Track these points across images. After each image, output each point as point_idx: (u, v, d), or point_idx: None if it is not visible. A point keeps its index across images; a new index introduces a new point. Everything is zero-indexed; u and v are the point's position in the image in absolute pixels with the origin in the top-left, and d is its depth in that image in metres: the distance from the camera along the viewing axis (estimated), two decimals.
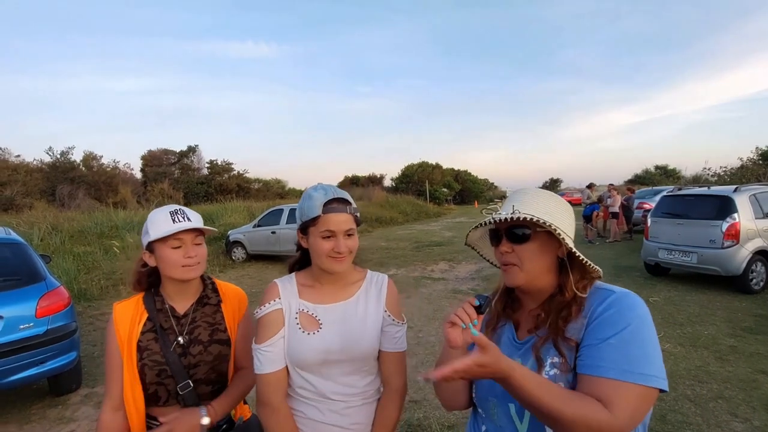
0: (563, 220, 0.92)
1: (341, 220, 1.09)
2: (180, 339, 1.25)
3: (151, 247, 1.22)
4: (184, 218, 1.22)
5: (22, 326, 3.11)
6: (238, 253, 10.68)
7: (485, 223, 0.95)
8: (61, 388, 3.59)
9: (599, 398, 0.75)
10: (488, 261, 1.10)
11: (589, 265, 0.90)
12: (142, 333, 1.22)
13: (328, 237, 1.09)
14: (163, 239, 1.19)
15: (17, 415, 3.29)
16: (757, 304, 5.39)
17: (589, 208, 12.03)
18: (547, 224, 0.86)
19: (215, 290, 1.36)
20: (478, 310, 0.83)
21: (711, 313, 5.08)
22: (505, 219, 0.89)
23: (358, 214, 1.17)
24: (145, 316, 1.24)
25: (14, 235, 3.87)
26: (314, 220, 1.09)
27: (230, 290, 1.41)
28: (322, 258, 1.10)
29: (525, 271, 0.91)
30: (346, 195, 1.15)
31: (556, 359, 0.85)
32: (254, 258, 10.67)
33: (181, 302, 1.30)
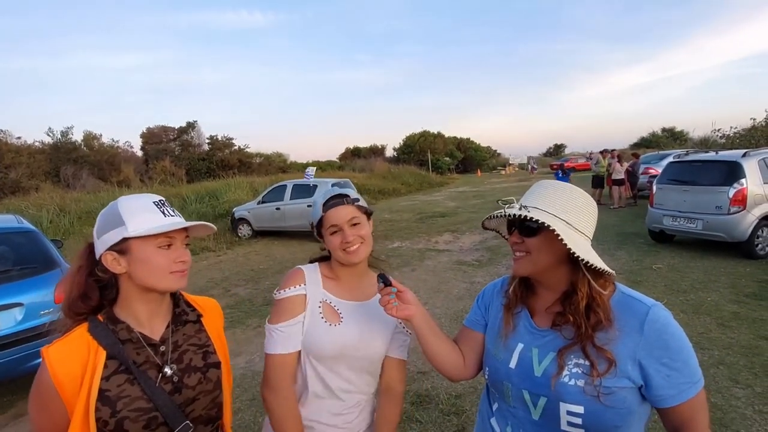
0: (581, 219, 0.93)
1: (341, 214, 1.15)
2: (167, 370, 0.95)
3: (123, 246, 0.91)
4: (173, 212, 0.96)
5: (42, 312, 3.22)
6: (244, 230, 10.78)
7: (496, 216, 1.01)
8: None
9: (685, 422, 0.86)
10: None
11: (596, 268, 0.88)
12: (105, 379, 0.88)
13: (335, 232, 1.15)
14: (147, 236, 0.91)
15: None
16: (762, 269, 5.42)
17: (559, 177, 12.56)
18: (550, 228, 0.87)
19: (188, 304, 1.10)
20: (386, 284, 1.06)
21: (715, 280, 5.13)
22: (495, 216, 0.98)
23: (361, 202, 1.20)
24: (103, 355, 0.89)
25: (26, 223, 3.93)
26: (320, 221, 1.17)
27: (204, 302, 1.16)
28: (336, 252, 1.16)
29: (533, 262, 0.94)
30: (346, 190, 1.21)
31: (581, 361, 0.88)
32: (260, 234, 10.77)
33: (152, 325, 0.99)
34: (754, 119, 16.90)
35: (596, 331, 0.87)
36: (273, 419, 1.14)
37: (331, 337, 1.13)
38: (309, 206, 9.45)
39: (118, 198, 0.96)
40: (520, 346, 0.98)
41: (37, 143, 27.46)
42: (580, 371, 0.87)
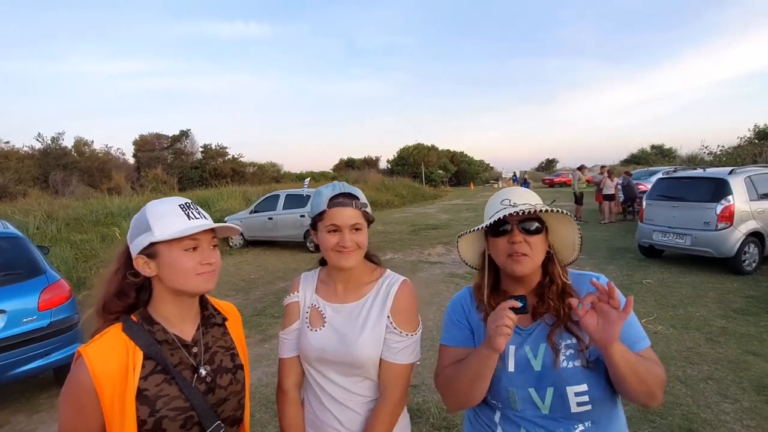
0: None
1: (346, 215, 1.09)
2: (202, 370, 0.97)
3: (151, 250, 0.93)
4: (199, 215, 0.98)
5: (25, 320, 3.14)
6: (236, 240, 10.68)
7: (505, 216, 1.00)
8: None
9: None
10: (467, 264, 1.19)
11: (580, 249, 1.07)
12: (143, 378, 0.89)
13: (333, 231, 1.09)
14: (173, 240, 0.92)
15: (26, 405, 3.35)
16: (749, 285, 5.50)
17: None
18: (568, 214, 1.01)
19: (214, 307, 1.12)
20: (521, 310, 0.92)
21: (703, 295, 5.19)
22: (521, 212, 0.98)
23: (368, 210, 1.15)
24: (140, 355, 0.90)
25: (12, 229, 3.87)
26: (321, 215, 1.11)
27: (226, 306, 1.18)
28: (328, 252, 1.11)
29: (534, 261, 1.01)
30: (356, 191, 1.14)
31: (569, 341, 0.98)
32: (252, 244, 10.70)
33: (184, 326, 1.01)
34: (741, 137, 17.37)
35: (571, 309, 0.97)
36: (279, 419, 1.19)
37: (309, 342, 1.14)
38: (302, 216, 9.41)
39: (148, 203, 0.99)
40: (512, 348, 1.01)
41: (26, 148, 27.20)
42: (572, 351, 0.97)
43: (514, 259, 0.99)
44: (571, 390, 0.94)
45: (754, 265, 6.01)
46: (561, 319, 0.99)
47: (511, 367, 1.00)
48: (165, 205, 0.97)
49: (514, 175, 38.42)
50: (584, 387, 0.94)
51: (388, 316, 1.13)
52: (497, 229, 1.02)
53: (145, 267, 0.94)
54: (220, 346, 1.06)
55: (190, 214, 0.96)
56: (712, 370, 3.32)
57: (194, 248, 0.95)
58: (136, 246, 0.95)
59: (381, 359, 1.12)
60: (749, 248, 5.97)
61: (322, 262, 1.26)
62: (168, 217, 0.94)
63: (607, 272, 6.43)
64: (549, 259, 1.05)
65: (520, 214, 0.98)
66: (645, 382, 0.90)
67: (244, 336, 1.19)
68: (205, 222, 0.97)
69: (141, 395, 0.88)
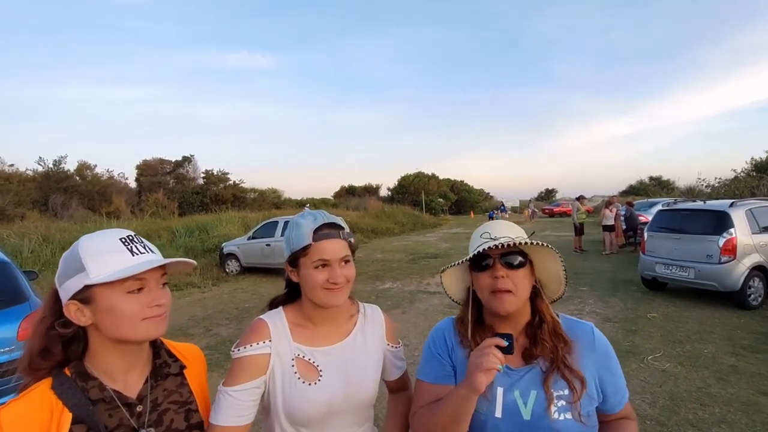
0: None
1: (335, 247, 0.99)
2: None
3: (86, 294, 0.77)
4: (144, 249, 0.84)
5: (3, 349, 3.00)
6: (232, 266, 10.56)
7: (484, 250, 0.95)
8: None
9: (626, 416, 1.01)
10: (451, 299, 1.13)
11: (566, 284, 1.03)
12: None
13: (322, 266, 0.98)
14: (114, 281, 0.77)
15: None
16: (756, 320, 5.34)
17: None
18: (550, 247, 0.96)
19: (170, 353, 0.95)
20: (507, 350, 0.85)
21: (710, 330, 5.02)
22: (503, 245, 0.93)
23: (353, 240, 1.06)
24: (68, 418, 0.75)
25: None
26: (305, 250, 0.98)
27: (187, 350, 1.01)
28: (316, 291, 0.98)
29: (518, 297, 0.95)
30: (338, 219, 1.04)
31: (561, 392, 0.91)
32: (248, 270, 10.54)
33: (129, 379, 0.85)
34: (736, 170, 17.59)
35: (566, 354, 0.95)
36: None
37: (311, 398, 0.97)
38: None
39: (80, 238, 0.83)
40: (500, 391, 0.93)
41: (28, 171, 27.38)
42: (564, 402, 0.91)
43: (497, 297, 0.94)
44: None
45: (759, 299, 5.86)
46: (556, 362, 0.93)
47: (498, 413, 0.91)
48: (102, 239, 0.82)
49: (502, 205, 38.97)
50: None
51: (388, 344, 1.15)
52: (480, 263, 0.97)
53: (78, 315, 0.78)
54: (173, 401, 0.89)
55: (134, 249, 0.81)
56: (724, 413, 3.15)
57: (139, 289, 0.80)
58: (66, 290, 0.78)
59: (391, 381, 1.17)
60: (754, 282, 5.85)
61: (278, 303, 1.12)
62: (106, 254, 0.79)
63: (610, 305, 6.28)
64: (537, 295, 1.00)
65: (500, 247, 0.93)
66: None
67: (207, 384, 1.03)
68: (153, 257, 0.83)
69: None
